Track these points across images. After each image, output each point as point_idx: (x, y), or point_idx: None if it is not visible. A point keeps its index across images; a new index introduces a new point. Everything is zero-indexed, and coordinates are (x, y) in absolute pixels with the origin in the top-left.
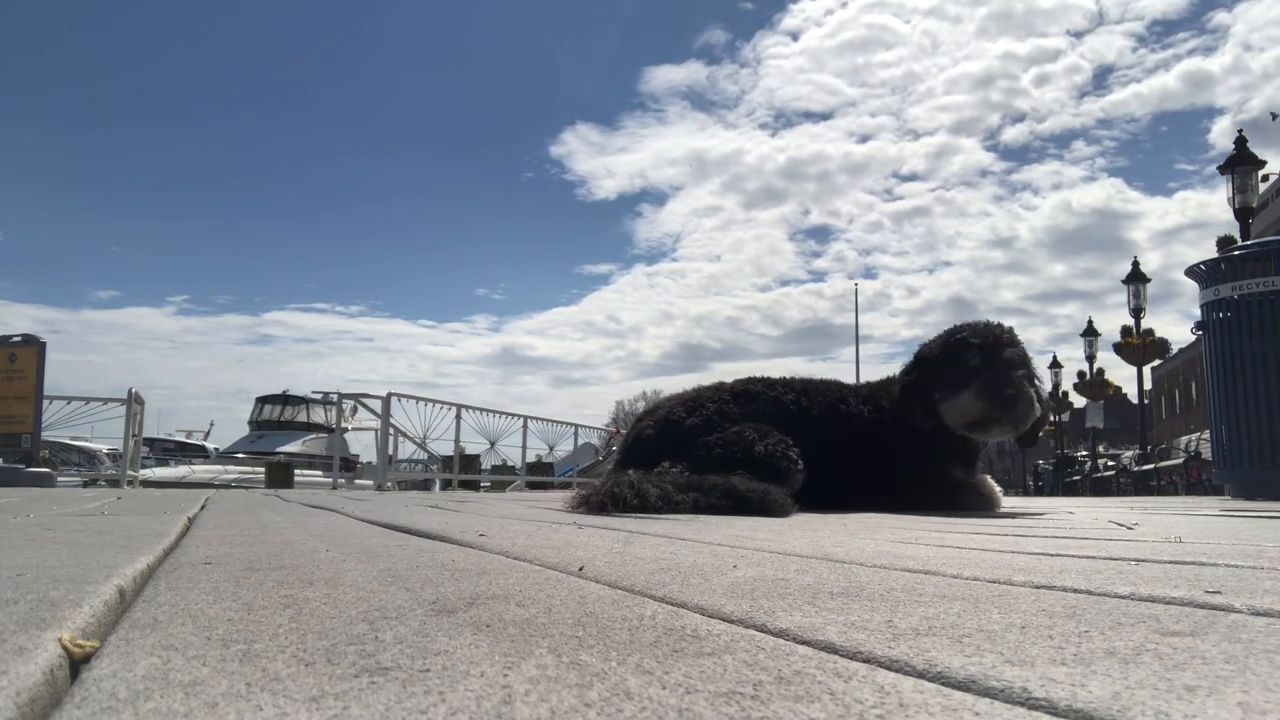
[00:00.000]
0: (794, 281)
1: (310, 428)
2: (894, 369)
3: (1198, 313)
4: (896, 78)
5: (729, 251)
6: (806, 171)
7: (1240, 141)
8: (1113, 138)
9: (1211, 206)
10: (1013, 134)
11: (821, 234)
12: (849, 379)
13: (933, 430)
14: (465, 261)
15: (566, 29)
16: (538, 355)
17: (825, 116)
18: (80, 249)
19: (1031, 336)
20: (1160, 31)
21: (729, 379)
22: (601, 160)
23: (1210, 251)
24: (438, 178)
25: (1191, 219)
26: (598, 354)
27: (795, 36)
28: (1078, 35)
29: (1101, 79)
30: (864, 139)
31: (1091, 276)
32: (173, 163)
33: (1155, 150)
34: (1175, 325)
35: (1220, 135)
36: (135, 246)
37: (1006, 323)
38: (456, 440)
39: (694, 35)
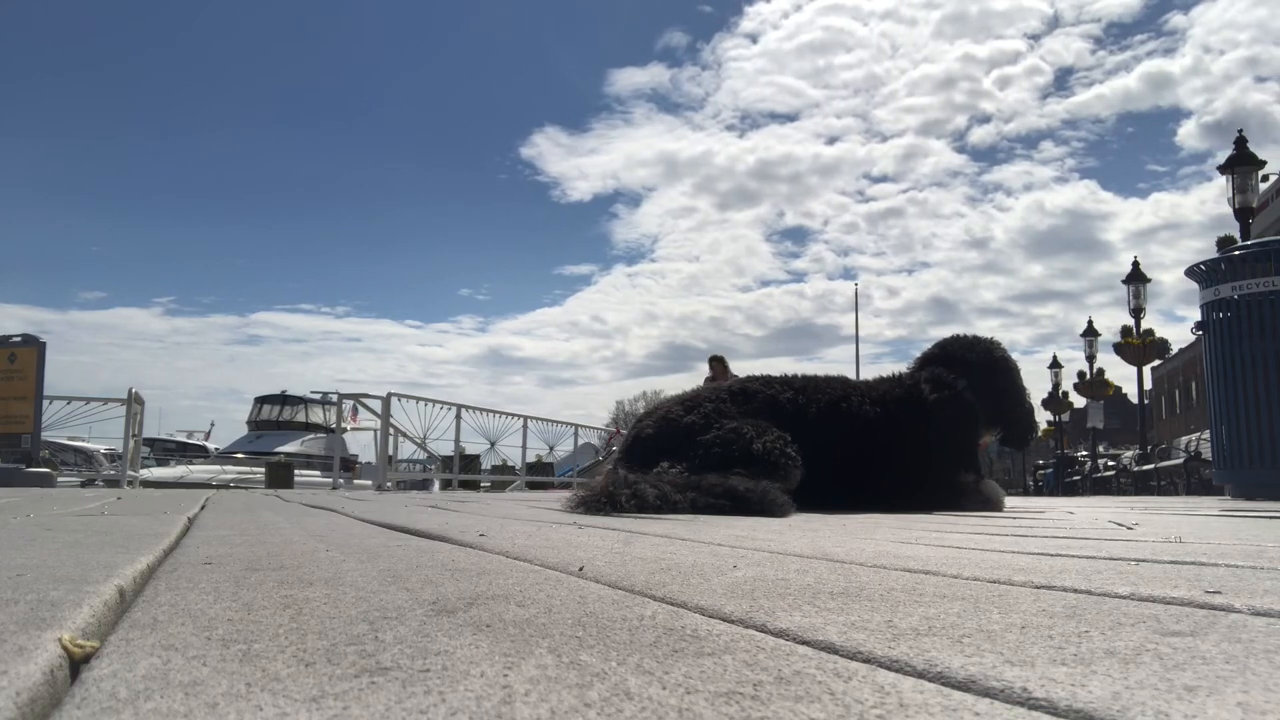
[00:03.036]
0: (774, 282)
1: (309, 428)
2: (885, 368)
3: (1180, 312)
4: (858, 79)
5: (707, 252)
6: (777, 173)
7: (1240, 141)
8: (1080, 139)
9: (1183, 208)
10: (980, 135)
11: (797, 235)
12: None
13: (941, 431)
14: (447, 262)
15: (531, 30)
16: (525, 356)
17: (791, 118)
18: (61, 250)
19: (1016, 337)
20: (1117, 33)
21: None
22: (573, 162)
23: (1184, 252)
24: (413, 179)
25: (1164, 220)
26: (584, 354)
27: (754, 39)
28: (1035, 38)
29: (1063, 80)
30: (832, 140)
31: (1070, 277)
32: (150, 163)
33: (1124, 151)
34: (1157, 325)
35: (1187, 137)
36: (115, 247)
37: (991, 331)
38: (456, 440)
39: (654, 37)
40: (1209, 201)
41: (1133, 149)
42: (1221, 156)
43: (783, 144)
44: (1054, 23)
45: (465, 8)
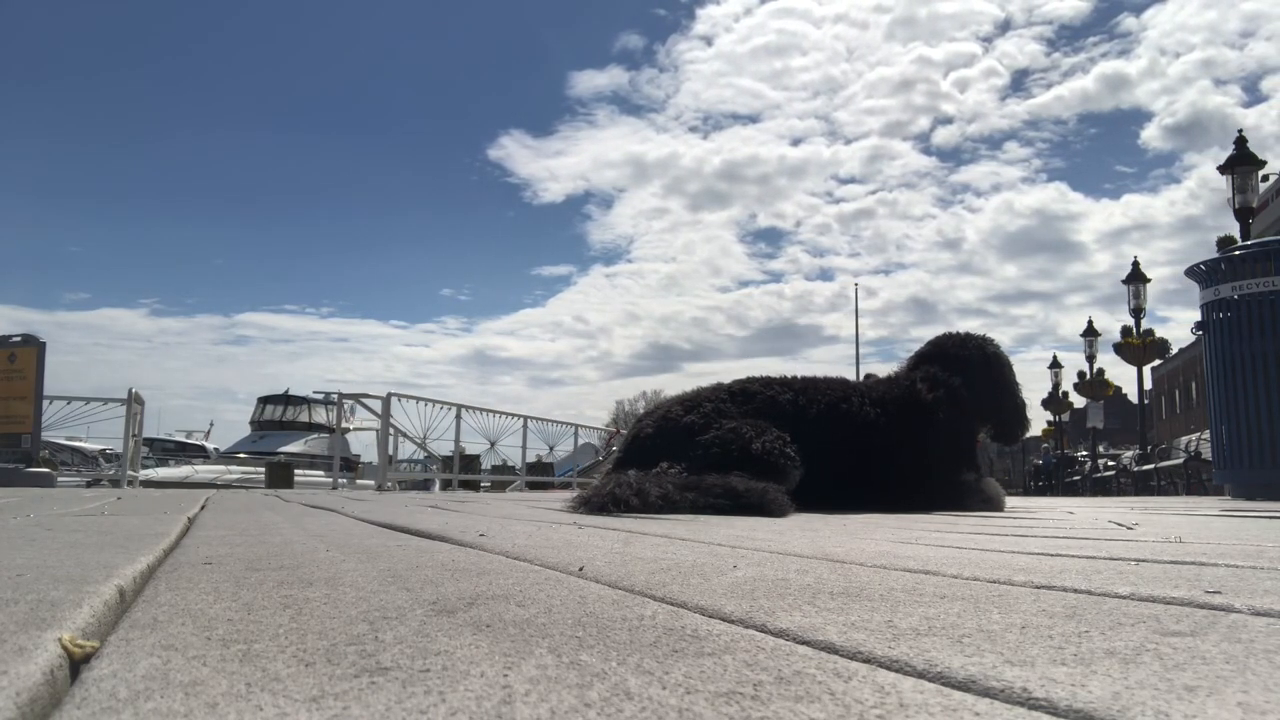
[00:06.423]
0: (753, 283)
1: (312, 428)
2: (872, 368)
3: (1161, 313)
4: (816, 81)
5: (682, 253)
6: (745, 174)
7: (1240, 141)
8: (1044, 139)
9: (1154, 209)
10: (944, 136)
11: (771, 236)
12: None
13: (940, 431)
14: (427, 263)
15: (492, 31)
16: (511, 356)
17: (753, 119)
18: (41, 250)
19: (1000, 338)
20: (1069, 35)
21: (703, 380)
22: (541, 164)
23: (1156, 253)
24: (387, 180)
25: (1135, 220)
26: (570, 354)
27: (709, 41)
28: (987, 40)
29: (1019, 82)
30: (796, 142)
31: (1046, 277)
32: (127, 163)
33: (1089, 152)
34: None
35: (1151, 139)
36: (94, 247)
37: (974, 331)
38: (456, 440)
39: (610, 40)
40: (1178, 203)
41: (1097, 150)
42: (1188, 158)
43: (747, 145)
44: (1005, 25)
45: (433, 10)
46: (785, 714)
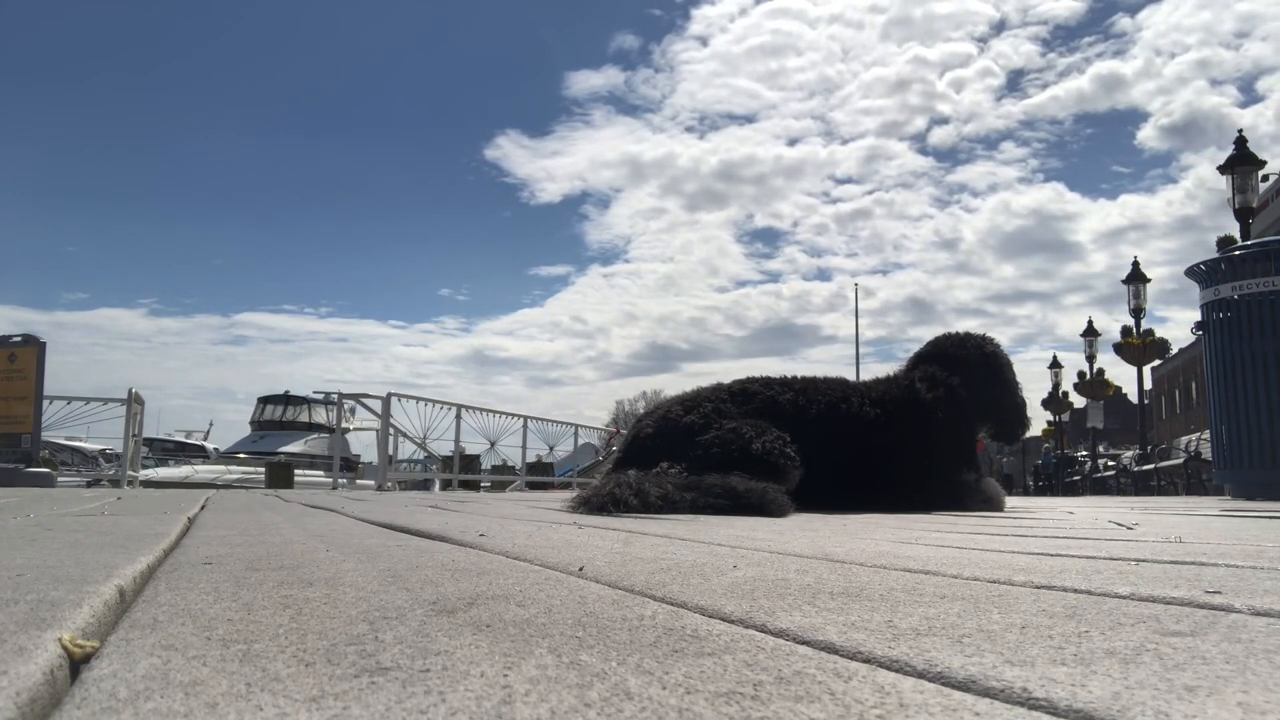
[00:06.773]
0: (750, 283)
1: (312, 428)
2: (869, 368)
3: (1158, 313)
4: (812, 81)
5: (680, 253)
6: (741, 174)
7: (1240, 141)
8: (1040, 139)
9: (1150, 209)
10: (940, 136)
11: (768, 236)
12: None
13: (940, 431)
14: (425, 263)
15: (485, 32)
16: (510, 356)
17: (749, 119)
18: (38, 250)
19: (998, 338)
20: (1064, 35)
21: (701, 380)
22: (538, 164)
23: (1153, 252)
24: (383, 180)
25: (1131, 220)
26: (568, 354)
27: (704, 41)
28: (982, 40)
29: (1015, 82)
30: (792, 142)
31: (1043, 278)
32: (123, 164)
33: (1085, 153)
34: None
35: (1147, 139)
36: (91, 247)
37: (980, 331)
38: (456, 440)
39: (606, 40)
40: (1175, 203)
41: (1094, 150)
42: (1184, 158)
43: (744, 145)
44: (1000, 26)
45: (429, 12)
46: (785, 714)
